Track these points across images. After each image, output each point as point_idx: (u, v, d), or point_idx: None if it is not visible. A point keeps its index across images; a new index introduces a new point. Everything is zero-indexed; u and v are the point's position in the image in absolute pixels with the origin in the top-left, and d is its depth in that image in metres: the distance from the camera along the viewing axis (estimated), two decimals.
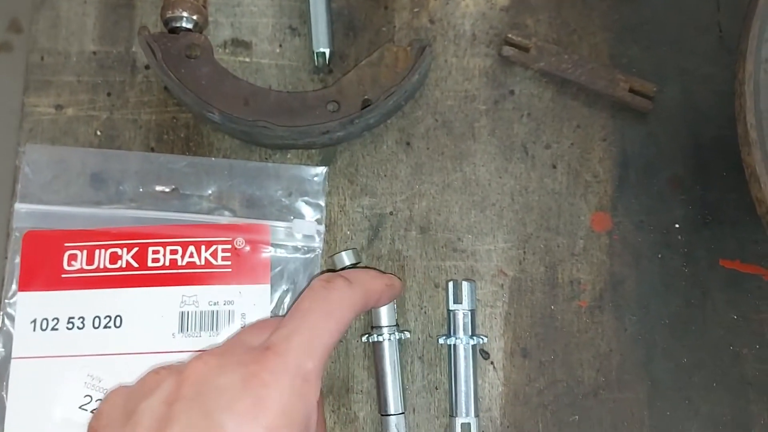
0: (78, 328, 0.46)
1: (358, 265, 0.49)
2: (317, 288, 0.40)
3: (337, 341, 0.39)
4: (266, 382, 0.34)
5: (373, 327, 0.47)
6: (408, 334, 0.48)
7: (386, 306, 0.47)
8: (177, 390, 0.35)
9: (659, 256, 0.50)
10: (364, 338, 0.47)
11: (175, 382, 0.35)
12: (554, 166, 0.51)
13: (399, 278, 0.47)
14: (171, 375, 0.36)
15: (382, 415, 0.46)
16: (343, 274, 0.41)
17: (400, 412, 0.46)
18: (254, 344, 0.37)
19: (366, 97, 0.49)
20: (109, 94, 0.51)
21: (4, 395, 0.46)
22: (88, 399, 0.45)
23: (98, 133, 0.51)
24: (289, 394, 0.34)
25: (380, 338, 0.46)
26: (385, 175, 0.51)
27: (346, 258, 0.48)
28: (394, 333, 0.46)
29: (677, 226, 0.51)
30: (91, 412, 0.45)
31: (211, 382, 0.34)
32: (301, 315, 0.38)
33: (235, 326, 0.47)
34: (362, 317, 0.49)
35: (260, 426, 0.33)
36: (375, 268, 0.49)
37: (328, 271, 0.48)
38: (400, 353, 0.47)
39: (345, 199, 0.50)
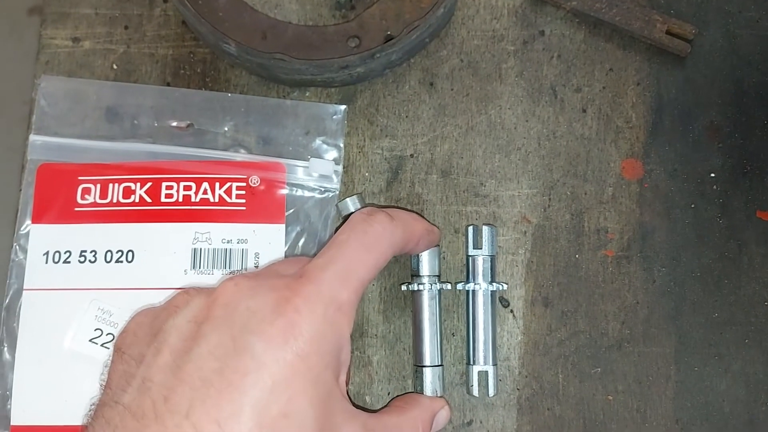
0: (90, 261, 0.46)
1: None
2: (357, 220, 0.38)
3: (374, 276, 0.37)
4: (298, 308, 0.33)
5: (413, 276, 0.45)
6: (449, 286, 0.45)
7: (429, 254, 0.45)
8: (206, 309, 0.34)
9: (692, 206, 0.48)
10: (403, 287, 0.45)
11: (204, 302, 0.34)
12: (584, 111, 0.49)
13: (437, 227, 0.45)
14: (200, 295, 0.35)
15: (417, 366, 0.45)
16: (384, 210, 0.40)
17: (437, 364, 0.44)
18: (288, 273, 0.36)
19: (388, 32, 0.47)
20: (126, 28, 0.50)
21: (16, 326, 0.45)
22: (99, 332, 0.45)
23: (114, 66, 0.50)
24: (321, 322, 0.33)
25: (420, 287, 0.44)
26: (406, 116, 0.49)
27: (351, 204, 0.46)
28: (435, 283, 0.45)
29: (713, 175, 0.48)
30: (102, 345, 0.45)
31: (241, 303, 0.33)
32: (337, 246, 0.37)
33: (249, 265, 0.46)
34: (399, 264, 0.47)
35: (290, 351, 0.32)
36: (415, 212, 0.47)
37: (344, 220, 0.46)
38: (440, 305, 0.45)
39: (364, 140, 0.49)
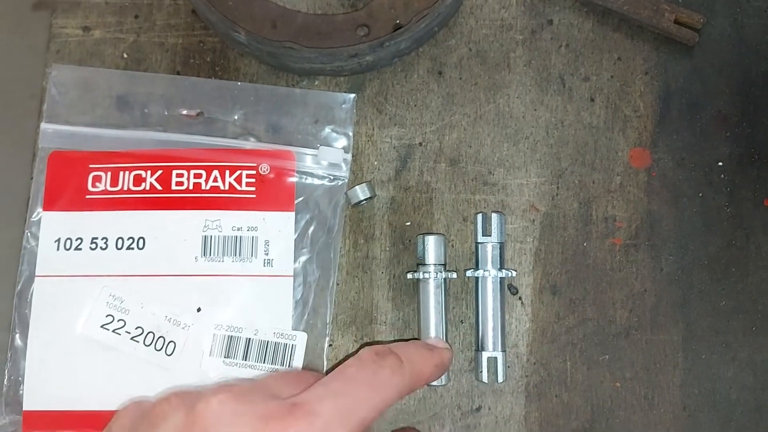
0: (101, 248, 0.46)
1: (373, 199, 0.47)
2: (367, 359, 0.35)
3: (375, 418, 0.34)
4: None
5: (419, 264, 0.45)
6: (455, 275, 0.46)
7: (435, 243, 0.45)
8: (185, 429, 0.31)
9: (700, 194, 0.48)
10: (409, 275, 0.46)
11: (184, 419, 0.32)
12: (592, 100, 0.49)
13: (449, 349, 0.43)
14: (182, 408, 0.32)
15: None
16: (395, 350, 0.37)
17: None
18: (282, 395, 0.33)
19: (397, 21, 0.47)
20: (136, 17, 0.50)
21: (28, 312, 0.46)
22: (110, 318, 0.45)
23: (125, 55, 0.50)
24: None
25: (426, 276, 0.45)
26: (415, 105, 0.49)
27: (360, 192, 0.46)
28: (441, 272, 0.45)
29: (720, 164, 0.48)
30: (113, 331, 0.45)
31: (223, 427, 0.31)
32: (344, 379, 0.34)
33: (259, 252, 0.46)
34: (408, 252, 0.47)
35: None
36: (424, 343, 0.43)
37: (355, 205, 0.47)
38: (446, 293, 0.45)
39: (373, 129, 0.49)
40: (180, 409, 0.32)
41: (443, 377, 0.44)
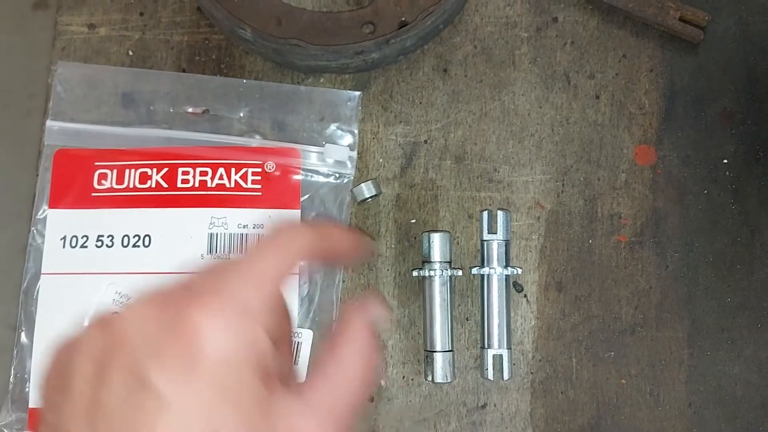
0: (107, 246, 0.46)
1: (378, 197, 0.47)
2: (266, 228, 0.36)
3: (286, 274, 0.34)
4: (196, 324, 0.29)
5: (424, 262, 0.45)
6: (460, 272, 0.46)
7: (440, 240, 0.45)
8: (105, 345, 0.30)
9: (705, 192, 0.48)
10: (414, 273, 0.46)
11: (102, 337, 0.31)
12: (597, 97, 0.49)
13: (372, 238, 0.44)
14: (98, 328, 0.31)
15: (428, 351, 0.45)
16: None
17: (448, 350, 0.45)
18: (192, 288, 0.32)
19: (403, 18, 0.47)
20: (141, 14, 0.50)
21: (34, 310, 0.46)
22: None
23: (130, 53, 0.50)
24: (226, 334, 0.30)
25: (431, 274, 0.45)
26: (420, 103, 0.49)
27: (366, 189, 0.46)
28: (446, 269, 0.45)
29: (726, 161, 0.48)
30: None
31: (137, 332, 0.30)
32: (244, 253, 0.34)
33: None
34: (413, 249, 0.47)
35: (196, 378, 0.29)
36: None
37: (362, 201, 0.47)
38: (452, 291, 0.45)
39: (378, 126, 0.49)
40: (97, 330, 0.31)
41: (448, 373, 0.44)
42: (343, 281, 0.47)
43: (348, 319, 0.36)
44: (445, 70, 0.49)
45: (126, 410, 0.29)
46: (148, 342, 0.29)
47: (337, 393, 0.33)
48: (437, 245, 0.45)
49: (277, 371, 0.32)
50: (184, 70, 0.50)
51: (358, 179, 0.48)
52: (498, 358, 0.45)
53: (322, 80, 0.49)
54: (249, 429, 0.29)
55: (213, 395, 0.29)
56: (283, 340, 0.36)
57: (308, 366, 0.45)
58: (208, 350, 0.29)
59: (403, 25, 0.47)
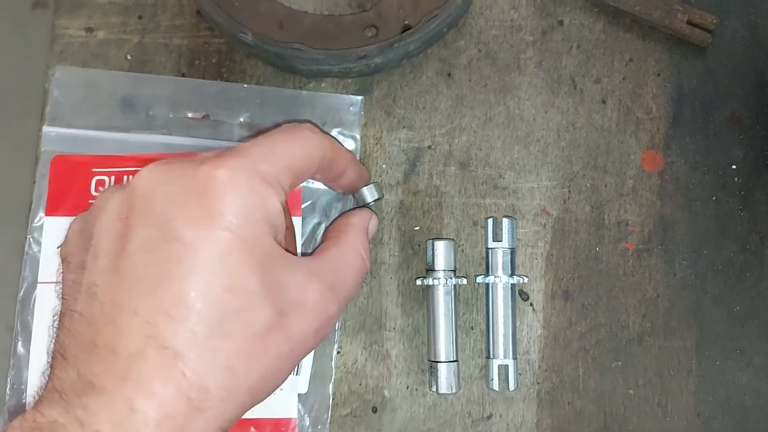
0: None
1: (381, 200, 0.46)
2: (285, 124, 0.39)
3: (302, 170, 0.37)
4: (220, 180, 0.32)
5: (428, 270, 0.45)
6: (465, 281, 0.45)
7: (445, 248, 0.44)
8: (127, 204, 0.33)
9: (714, 198, 0.47)
10: (418, 281, 0.45)
11: (124, 197, 0.34)
12: (604, 102, 0.48)
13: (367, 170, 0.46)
14: (119, 190, 0.34)
15: (432, 361, 0.44)
16: None
17: (452, 360, 0.44)
18: (213, 154, 0.35)
19: (406, 22, 0.46)
20: (140, 17, 0.49)
21: (30, 319, 0.45)
22: None
23: (129, 57, 0.49)
24: (246, 191, 0.32)
25: (435, 282, 0.44)
26: (424, 108, 0.48)
27: (368, 194, 0.45)
28: (451, 278, 0.44)
29: (734, 167, 0.47)
30: None
31: (159, 189, 0.33)
32: (263, 136, 0.37)
33: None
34: (417, 257, 0.47)
35: (218, 227, 0.31)
36: None
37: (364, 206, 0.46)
38: (456, 300, 0.45)
39: (381, 132, 0.48)
40: (117, 191, 0.34)
41: (452, 383, 0.43)
42: None
43: (348, 220, 0.41)
44: (449, 75, 0.49)
45: (153, 259, 0.31)
46: (171, 197, 0.32)
47: (337, 270, 0.37)
48: (441, 253, 0.44)
49: (283, 229, 0.35)
50: (183, 75, 0.49)
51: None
52: (504, 368, 0.44)
53: (324, 85, 0.48)
54: (261, 277, 0.32)
55: (233, 244, 0.31)
56: (289, 230, 0.39)
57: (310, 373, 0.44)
58: (228, 205, 0.32)
59: (406, 28, 0.46)
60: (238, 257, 0.32)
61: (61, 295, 0.35)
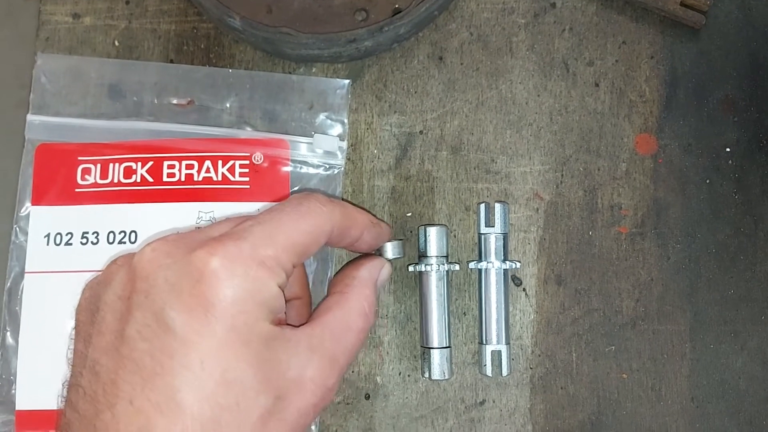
0: (92, 243, 0.45)
1: (400, 258, 0.44)
2: (293, 196, 0.38)
3: (309, 244, 0.35)
4: (216, 270, 0.31)
5: (421, 256, 0.44)
6: (457, 267, 0.44)
7: (437, 234, 0.44)
8: (129, 284, 0.33)
9: (708, 181, 0.47)
10: (410, 268, 0.44)
11: (127, 274, 0.33)
12: (597, 85, 0.48)
13: (389, 225, 0.43)
14: (125, 265, 0.34)
15: (424, 347, 0.44)
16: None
17: (445, 346, 0.43)
18: (213, 235, 0.35)
19: (396, 5, 0.46)
20: (127, 3, 0.49)
21: (19, 310, 0.44)
22: None
23: (116, 43, 0.48)
24: (241, 280, 0.31)
25: (428, 268, 0.43)
26: (415, 92, 0.48)
27: (390, 251, 0.42)
28: (443, 264, 0.44)
29: (728, 150, 0.47)
30: None
31: (159, 274, 0.32)
32: (269, 211, 0.36)
33: None
34: (410, 243, 0.46)
35: (212, 319, 0.31)
36: (364, 208, 0.45)
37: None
38: (448, 286, 0.44)
39: (372, 117, 0.48)
40: (123, 267, 0.34)
41: (445, 369, 0.43)
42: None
43: (356, 273, 0.39)
44: (441, 58, 0.48)
45: (149, 347, 0.31)
46: (168, 284, 0.32)
47: (339, 337, 0.36)
48: (434, 239, 0.44)
49: (282, 309, 0.34)
50: (172, 61, 0.48)
51: (351, 171, 0.47)
52: (496, 354, 0.44)
53: (314, 69, 0.48)
54: (257, 367, 0.31)
55: (226, 336, 0.31)
56: (301, 299, 0.39)
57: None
58: (222, 295, 0.31)
59: (397, 11, 0.45)
60: (231, 350, 0.31)
61: (71, 363, 0.35)
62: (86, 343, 0.34)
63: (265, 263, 0.33)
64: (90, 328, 0.34)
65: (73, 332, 0.35)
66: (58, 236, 0.45)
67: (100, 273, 0.36)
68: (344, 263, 0.44)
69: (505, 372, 0.43)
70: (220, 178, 0.45)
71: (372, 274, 0.40)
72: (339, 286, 0.39)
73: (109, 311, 0.33)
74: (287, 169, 0.46)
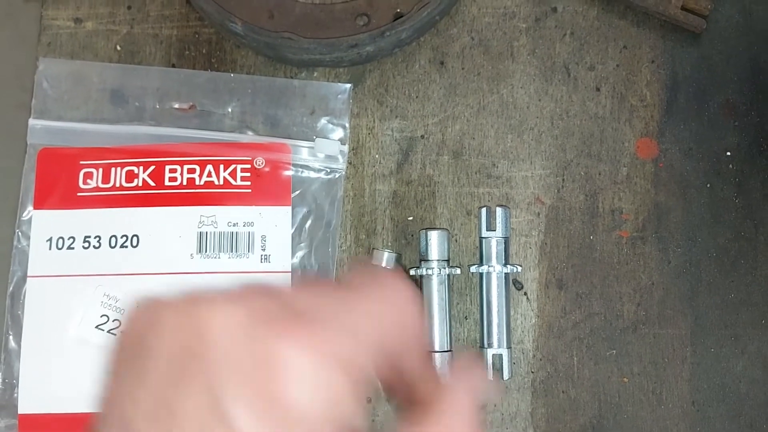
0: (94, 247, 0.45)
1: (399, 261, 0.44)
2: (388, 275, 0.31)
3: (391, 346, 0.29)
4: (287, 364, 0.26)
5: (422, 260, 0.44)
6: (459, 271, 0.44)
7: (438, 238, 0.44)
8: (191, 343, 0.28)
9: (708, 185, 0.47)
10: (412, 271, 0.44)
11: (190, 332, 0.28)
12: (598, 89, 0.48)
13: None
14: (185, 314, 0.29)
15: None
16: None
17: (447, 350, 0.44)
18: (297, 308, 0.29)
19: (398, 10, 0.46)
20: (129, 8, 0.49)
21: (21, 314, 0.44)
22: (105, 318, 0.44)
23: (118, 48, 0.48)
24: (314, 385, 0.26)
25: (429, 272, 0.44)
26: (416, 97, 0.48)
27: (385, 259, 0.43)
28: (444, 267, 0.44)
29: (729, 154, 0.47)
30: (108, 332, 0.44)
31: (228, 348, 0.27)
32: (365, 293, 0.30)
33: (255, 248, 0.45)
34: (410, 247, 0.46)
35: (274, 424, 0.26)
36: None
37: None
38: (450, 290, 0.44)
39: (374, 121, 0.48)
40: (186, 324, 0.28)
41: (446, 373, 0.43)
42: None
43: (452, 387, 0.31)
44: (442, 63, 0.48)
45: (196, 429, 0.26)
46: (231, 362, 0.27)
47: None
48: (435, 243, 0.44)
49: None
50: (173, 65, 0.48)
51: (353, 176, 0.47)
52: (498, 358, 0.44)
53: (315, 74, 0.48)
54: None
55: None
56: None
57: None
58: (291, 396, 0.26)
59: (398, 16, 0.45)
60: None
61: (104, 402, 0.29)
62: (125, 397, 0.29)
63: (345, 368, 0.27)
64: (132, 377, 0.29)
65: (109, 363, 0.30)
66: (61, 240, 0.45)
67: (142, 310, 0.30)
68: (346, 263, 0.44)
69: (506, 376, 0.43)
70: (221, 183, 0.46)
71: (470, 388, 0.31)
72: (439, 399, 0.30)
73: (156, 368, 0.28)
74: (289, 173, 0.46)
